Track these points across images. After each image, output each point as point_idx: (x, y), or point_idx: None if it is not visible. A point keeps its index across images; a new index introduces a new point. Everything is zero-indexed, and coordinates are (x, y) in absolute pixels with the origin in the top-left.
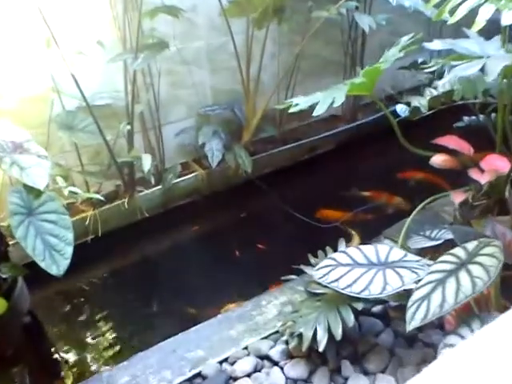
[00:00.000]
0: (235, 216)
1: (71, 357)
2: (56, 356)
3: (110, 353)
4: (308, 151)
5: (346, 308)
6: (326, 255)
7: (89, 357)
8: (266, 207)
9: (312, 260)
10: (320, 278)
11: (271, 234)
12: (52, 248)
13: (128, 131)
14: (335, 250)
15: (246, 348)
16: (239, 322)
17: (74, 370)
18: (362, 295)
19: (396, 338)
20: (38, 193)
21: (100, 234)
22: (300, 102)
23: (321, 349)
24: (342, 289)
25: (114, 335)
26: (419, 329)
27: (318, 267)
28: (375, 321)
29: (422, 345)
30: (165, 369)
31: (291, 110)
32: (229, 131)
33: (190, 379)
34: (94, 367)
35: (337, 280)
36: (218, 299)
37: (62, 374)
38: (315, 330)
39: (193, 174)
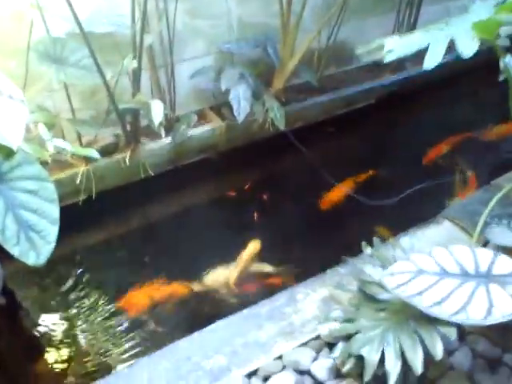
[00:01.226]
0: (256, 178)
1: (54, 336)
2: (37, 336)
3: (96, 338)
4: (346, 104)
5: (432, 334)
6: (382, 241)
7: (71, 338)
8: (294, 169)
9: (368, 250)
10: (395, 288)
11: (298, 204)
12: (29, 228)
13: (134, 69)
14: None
15: (279, 358)
16: (269, 321)
17: (58, 351)
18: (457, 319)
19: (474, 359)
20: (9, 152)
21: (94, 195)
22: (394, 47)
23: (391, 383)
24: (429, 307)
25: (103, 320)
26: (503, 349)
27: (390, 271)
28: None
29: (509, 371)
30: (177, 380)
31: (386, 60)
32: (257, 75)
33: None
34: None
35: (420, 294)
36: None
37: (44, 355)
38: (382, 353)
39: (209, 126)
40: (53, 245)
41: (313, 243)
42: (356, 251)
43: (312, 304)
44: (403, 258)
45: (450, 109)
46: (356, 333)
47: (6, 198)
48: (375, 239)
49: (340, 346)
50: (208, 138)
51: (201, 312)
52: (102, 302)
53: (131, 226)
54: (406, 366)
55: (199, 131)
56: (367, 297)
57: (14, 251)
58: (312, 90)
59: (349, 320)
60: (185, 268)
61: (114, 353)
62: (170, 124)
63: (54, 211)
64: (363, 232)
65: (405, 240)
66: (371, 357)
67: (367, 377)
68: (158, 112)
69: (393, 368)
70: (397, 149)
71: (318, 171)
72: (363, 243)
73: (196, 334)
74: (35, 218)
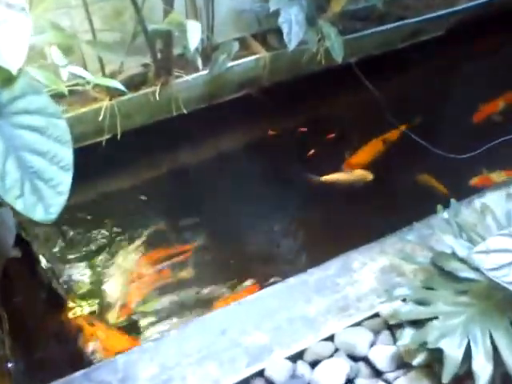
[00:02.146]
0: (304, 118)
1: (74, 287)
2: (56, 287)
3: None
4: (410, 36)
5: None
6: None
7: (93, 288)
8: (349, 109)
9: (445, 214)
10: (491, 270)
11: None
12: (36, 175)
13: None
14: None
15: (330, 339)
16: (319, 294)
17: (79, 302)
18: None
19: None
20: (7, 77)
21: (119, 134)
22: None
23: None
24: None
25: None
26: None
27: (484, 247)
28: None
29: None
30: (209, 360)
31: None
32: None
33: (246, 380)
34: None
35: None
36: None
37: (65, 308)
38: (467, 348)
39: (252, 57)
40: (65, 196)
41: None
42: (420, 211)
43: (370, 274)
44: (495, 228)
45: None
46: (431, 319)
47: (7, 138)
48: (453, 201)
49: (408, 332)
50: (250, 71)
51: None
52: (123, 250)
53: (160, 171)
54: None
55: (240, 62)
56: (444, 273)
57: (17, 204)
58: (371, 19)
59: (421, 301)
60: (219, 223)
61: (138, 303)
62: (207, 53)
63: (67, 155)
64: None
65: (491, 199)
66: (453, 352)
67: (447, 377)
68: (194, 34)
69: (482, 370)
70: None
71: (376, 112)
72: (438, 206)
73: (233, 305)
74: (43, 163)
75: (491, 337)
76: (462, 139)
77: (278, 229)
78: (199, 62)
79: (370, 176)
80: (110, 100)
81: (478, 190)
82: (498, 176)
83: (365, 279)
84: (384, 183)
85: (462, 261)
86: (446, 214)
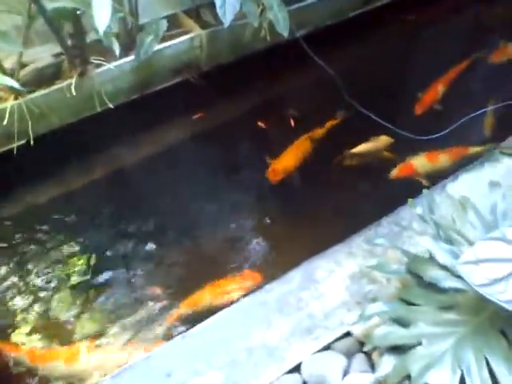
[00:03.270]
0: (250, 104)
1: None
2: None
3: None
4: (362, 3)
5: None
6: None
7: None
8: (304, 91)
9: (418, 209)
10: (485, 286)
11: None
12: None
13: None
14: None
15: (297, 369)
16: (281, 314)
17: None
18: None
19: None
20: None
21: (32, 140)
22: None
23: None
24: None
25: None
26: None
27: (471, 256)
28: None
29: None
30: None
31: None
32: None
33: None
34: None
35: None
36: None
37: None
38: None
39: (186, 37)
40: None
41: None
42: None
43: (337, 284)
44: (480, 226)
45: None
46: (414, 345)
47: None
48: (425, 192)
49: (387, 360)
50: (185, 53)
51: None
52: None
53: (83, 181)
54: None
55: (171, 44)
56: (423, 283)
57: None
58: None
59: (399, 320)
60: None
61: None
62: (131, 35)
63: None
64: None
65: (469, 188)
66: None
67: None
68: (102, 12)
69: None
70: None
71: (331, 93)
72: (410, 201)
73: (178, 339)
74: None
75: (488, 364)
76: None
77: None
78: (116, 47)
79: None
80: (16, 99)
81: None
82: (420, 162)
83: (332, 291)
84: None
85: (443, 267)
86: (419, 209)
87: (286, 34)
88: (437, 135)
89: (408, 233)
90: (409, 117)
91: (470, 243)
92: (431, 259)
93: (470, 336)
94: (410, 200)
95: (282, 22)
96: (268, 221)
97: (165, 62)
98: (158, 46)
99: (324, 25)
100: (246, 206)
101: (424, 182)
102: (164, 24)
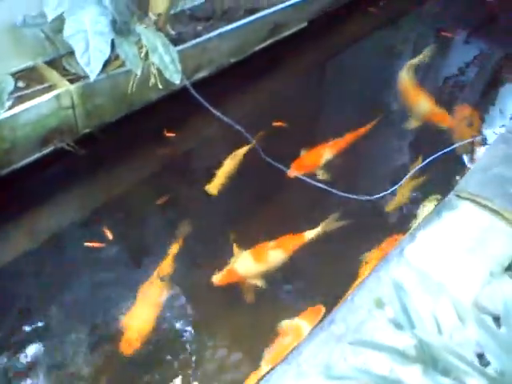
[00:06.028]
0: (139, 178)
1: None
2: None
3: None
4: (270, 32)
5: None
6: None
7: None
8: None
9: (388, 310)
10: None
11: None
12: None
13: None
14: None
15: None
16: None
17: None
18: None
19: None
20: None
21: None
22: None
23: None
24: None
25: None
26: None
27: None
28: None
29: None
30: None
31: None
32: None
33: None
34: None
35: None
36: None
37: None
38: None
39: (51, 94)
40: None
41: None
42: None
43: None
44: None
45: None
46: None
47: None
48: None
49: None
50: (51, 116)
51: None
52: None
53: None
54: None
55: (32, 106)
56: None
57: None
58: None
59: None
60: None
61: None
62: None
63: None
64: None
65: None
66: None
67: None
68: None
69: None
70: None
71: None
72: (377, 299)
73: None
74: None
75: None
76: None
77: None
78: None
79: None
80: None
81: None
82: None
83: None
84: None
85: None
86: (389, 311)
87: (177, 80)
88: None
89: None
90: None
91: None
92: None
93: None
94: (376, 299)
95: (170, 65)
96: None
97: (24, 131)
98: (7, 112)
99: (227, 63)
100: None
101: None
102: (10, 82)
